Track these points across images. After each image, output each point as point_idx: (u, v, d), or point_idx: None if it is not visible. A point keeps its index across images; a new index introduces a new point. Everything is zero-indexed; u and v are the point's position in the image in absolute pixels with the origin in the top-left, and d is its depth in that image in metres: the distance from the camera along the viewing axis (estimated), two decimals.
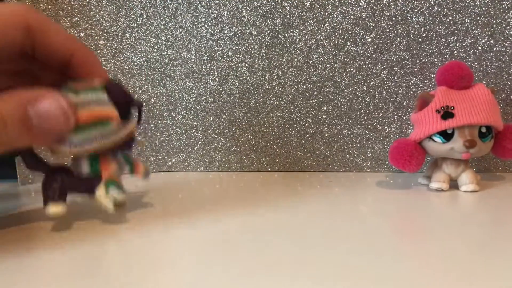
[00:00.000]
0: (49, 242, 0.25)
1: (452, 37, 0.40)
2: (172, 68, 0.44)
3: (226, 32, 0.43)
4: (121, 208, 0.27)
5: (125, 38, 0.43)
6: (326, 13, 0.41)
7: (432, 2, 0.39)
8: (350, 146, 0.44)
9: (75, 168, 0.26)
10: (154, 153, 0.46)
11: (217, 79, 0.44)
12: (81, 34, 0.42)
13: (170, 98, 0.45)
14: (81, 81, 0.26)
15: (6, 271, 0.21)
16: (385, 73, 0.41)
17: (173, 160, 0.46)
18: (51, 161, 0.28)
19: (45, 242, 0.25)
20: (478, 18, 0.39)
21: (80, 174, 0.26)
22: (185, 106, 0.45)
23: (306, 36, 0.42)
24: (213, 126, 0.45)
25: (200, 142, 0.46)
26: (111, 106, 0.25)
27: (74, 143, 0.24)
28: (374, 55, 0.41)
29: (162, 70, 0.44)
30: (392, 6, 0.40)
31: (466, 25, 0.39)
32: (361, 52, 0.41)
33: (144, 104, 0.30)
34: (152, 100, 0.45)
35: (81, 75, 0.27)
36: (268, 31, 0.42)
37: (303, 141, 0.44)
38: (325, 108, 0.43)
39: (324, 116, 0.43)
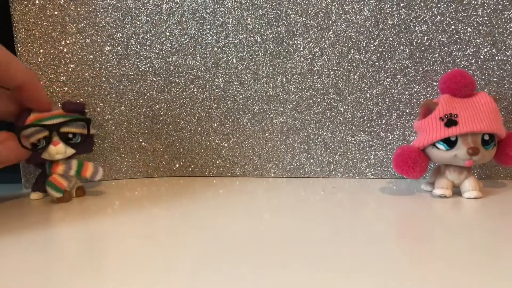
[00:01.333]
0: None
1: (455, 46, 0.40)
2: (177, 75, 0.45)
3: (231, 39, 0.43)
4: (64, 201, 0.36)
5: (130, 44, 0.44)
6: (330, 22, 0.42)
7: (435, 12, 0.40)
8: (353, 152, 0.44)
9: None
10: (158, 158, 0.46)
11: (221, 86, 0.44)
12: (87, 40, 0.43)
13: (174, 104, 0.45)
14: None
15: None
16: (388, 80, 0.42)
17: (177, 165, 0.47)
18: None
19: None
20: (480, 28, 0.40)
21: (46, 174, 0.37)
22: (189, 112, 0.45)
23: (310, 44, 0.42)
24: (217, 132, 0.45)
25: (204, 148, 0.46)
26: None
27: None
28: (377, 63, 0.42)
29: (167, 76, 0.45)
30: (396, 15, 0.41)
31: (468, 34, 0.40)
32: (365, 60, 0.42)
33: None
34: (157, 106, 0.45)
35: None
36: (272, 39, 0.43)
37: (306, 147, 0.44)
38: (328, 114, 0.43)
39: (327, 123, 0.44)
